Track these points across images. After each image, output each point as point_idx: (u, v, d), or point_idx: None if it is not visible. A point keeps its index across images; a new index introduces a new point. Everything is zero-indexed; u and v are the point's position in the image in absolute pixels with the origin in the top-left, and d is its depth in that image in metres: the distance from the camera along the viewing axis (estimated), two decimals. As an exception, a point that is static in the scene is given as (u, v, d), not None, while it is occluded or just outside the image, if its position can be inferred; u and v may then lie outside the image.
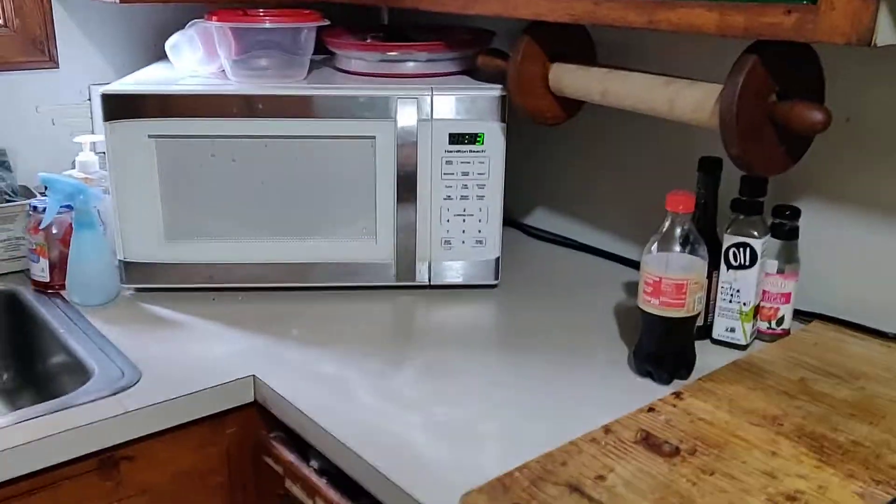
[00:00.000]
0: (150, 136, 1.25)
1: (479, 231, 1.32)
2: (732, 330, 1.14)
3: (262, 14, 1.31)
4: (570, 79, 1.15)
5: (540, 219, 1.64)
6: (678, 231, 1.03)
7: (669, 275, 1.02)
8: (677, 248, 1.03)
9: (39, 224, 1.31)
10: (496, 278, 1.34)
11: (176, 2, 1.36)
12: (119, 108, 1.25)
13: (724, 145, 0.93)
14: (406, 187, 1.28)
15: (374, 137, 1.27)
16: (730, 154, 0.94)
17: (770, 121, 0.94)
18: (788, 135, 0.95)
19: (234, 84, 1.30)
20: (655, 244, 1.05)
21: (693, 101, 0.99)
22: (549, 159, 1.59)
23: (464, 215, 1.31)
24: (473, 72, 1.38)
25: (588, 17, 1.03)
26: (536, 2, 1.08)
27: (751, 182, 1.11)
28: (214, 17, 1.29)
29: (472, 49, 1.38)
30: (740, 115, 0.91)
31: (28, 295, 1.34)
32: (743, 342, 1.13)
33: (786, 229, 1.13)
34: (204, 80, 1.33)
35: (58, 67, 1.56)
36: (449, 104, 1.26)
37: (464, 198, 1.30)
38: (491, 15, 1.15)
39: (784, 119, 0.92)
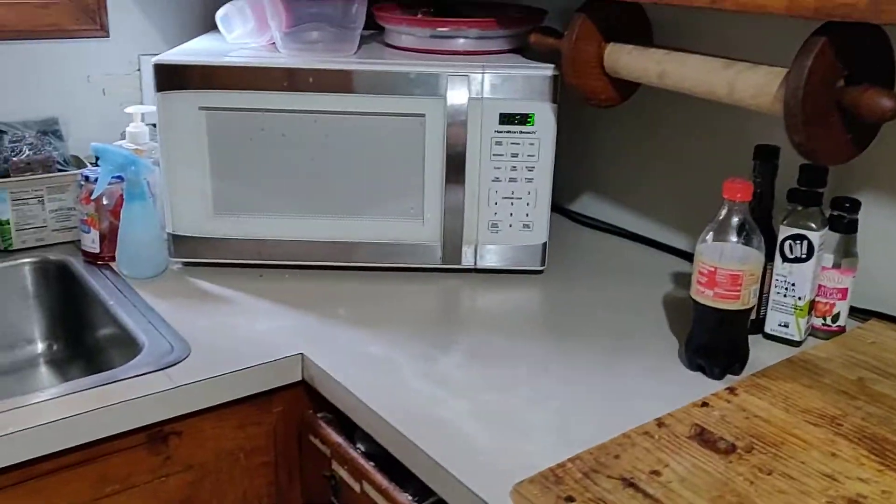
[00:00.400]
0: (200, 108, 1.24)
1: (527, 215, 1.29)
2: (786, 325, 1.10)
3: (313, -14, 1.29)
4: (627, 60, 1.11)
5: (587, 205, 1.60)
6: (734, 220, 0.99)
7: (724, 265, 0.99)
8: (733, 237, 1.00)
9: (91, 194, 1.30)
10: (542, 264, 1.31)
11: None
12: (171, 78, 1.23)
13: (787, 132, 0.89)
14: (454, 167, 1.25)
15: (423, 115, 1.24)
16: (793, 141, 0.90)
17: (837, 107, 0.89)
18: (855, 122, 0.90)
19: (285, 57, 1.28)
20: (711, 233, 1.01)
21: (754, 84, 0.95)
22: (597, 144, 1.55)
23: (512, 198, 1.28)
24: (525, 50, 1.34)
25: (650, -4, 0.99)
26: (596, -20, 1.05)
27: (810, 172, 1.07)
28: (270, -13, 1.27)
29: (523, 27, 1.34)
30: (806, 100, 0.87)
31: (78, 266, 1.33)
32: (797, 338, 1.10)
33: (845, 222, 1.08)
34: (255, 53, 1.31)
35: (108, 36, 1.55)
36: (500, 83, 1.23)
37: (512, 180, 1.27)
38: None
39: (853, 105, 0.87)
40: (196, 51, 1.33)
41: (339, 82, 1.23)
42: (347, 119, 1.25)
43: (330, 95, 1.23)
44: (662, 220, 1.46)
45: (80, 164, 1.49)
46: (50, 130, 1.48)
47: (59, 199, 1.41)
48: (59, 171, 1.44)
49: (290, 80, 1.23)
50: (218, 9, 1.36)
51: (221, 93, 1.23)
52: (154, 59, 1.24)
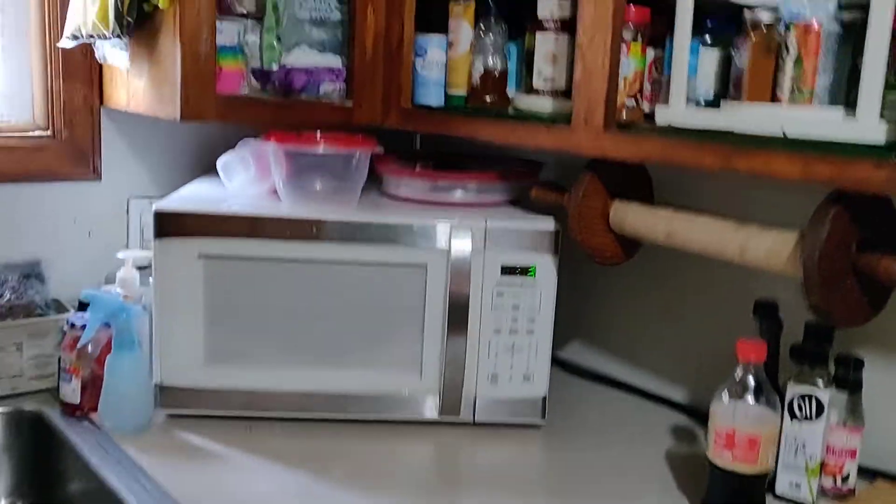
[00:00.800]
0: (199, 256, 1.23)
1: (528, 367, 1.27)
2: (798, 486, 1.08)
3: (317, 138, 1.31)
4: (634, 218, 1.13)
5: (585, 356, 1.58)
6: (751, 381, 0.99)
7: (743, 428, 0.98)
8: (750, 399, 0.99)
9: (76, 342, 1.26)
10: (543, 418, 1.29)
11: (234, 122, 1.36)
12: (171, 225, 1.23)
13: (804, 295, 0.91)
14: (455, 318, 1.24)
15: (425, 266, 1.24)
16: (810, 304, 0.91)
17: (853, 270, 0.91)
18: (871, 285, 0.92)
19: (287, 206, 1.28)
20: (725, 393, 1.01)
21: (766, 247, 0.97)
22: (597, 294, 1.55)
23: (512, 350, 1.27)
24: (522, 200, 1.37)
25: (659, 158, 1.02)
26: (603, 140, 1.08)
27: (817, 330, 1.08)
28: (272, 139, 1.28)
29: (522, 180, 1.37)
30: (822, 263, 0.89)
31: (55, 417, 1.27)
32: (809, 500, 1.08)
33: (852, 381, 1.09)
34: (256, 201, 1.31)
35: (100, 180, 1.55)
36: (503, 236, 1.24)
37: (513, 331, 1.27)
38: (551, 150, 1.15)
39: (870, 271, 0.90)
40: (196, 197, 1.33)
41: (342, 233, 1.23)
42: (349, 269, 1.24)
43: (332, 245, 1.23)
44: (663, 372, 1.45)
45: (60, 308, 1.45)
46: (33, 274, 1.45)
47: (38, 346, 1.36)
48: (41, 315, 1.40)
49: (292, 229, 1.23)
50: (210, 154, 1.37)
51: (221, 241, 1.23)
52: (155, 206, 1.23)
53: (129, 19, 1.28)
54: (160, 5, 1.23)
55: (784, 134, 0.91)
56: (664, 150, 1.01)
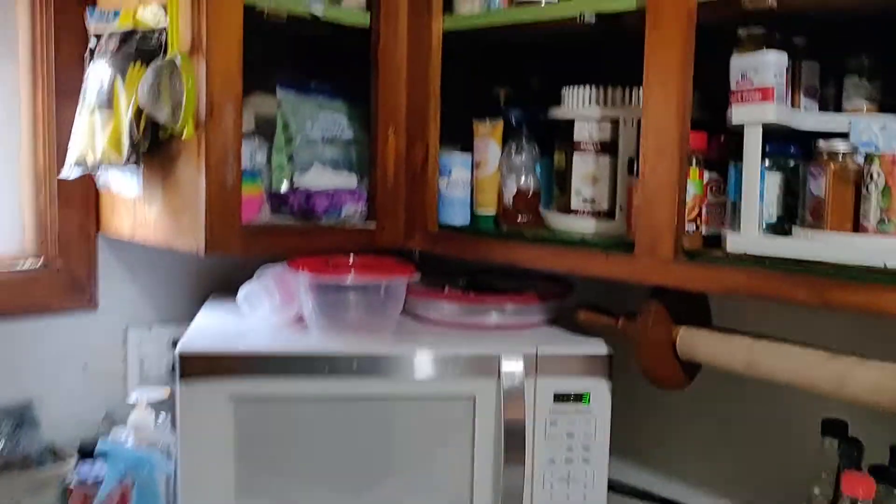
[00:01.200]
0: (230, 398, 1.07)
1: (584, 497, 1.15)
2: None
3: (348, 264, 1.18)
4: (707, 346, 1.04)
5: (628, 473, 1.42)
6: (858, 519, 0.90)
7: (858, 570, 0.88)
8: (861, 538, 0.90)
9: (86, 500, 1.07)
10: (602, 554, 1.16)
11: (257, 253, 1.21)
12: (197, 367, 1.07)
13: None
14: (511, 450, 1.11)
15: (473, 397, 1.12)
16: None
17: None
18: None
19: (319, 339, 1.14)
20: (830, 532, 0.91)
21: (871, 382, 0.88)
22: (644, 411, 1.40)
23: (568, 479, 1.15)
24: (558, 320, 1.26)
25: (745, 290, 0.94)
26: (673, 271, 0.99)
27: (903, 454, 1.01)
28: (301, 269, 1.14)
29: (558, 301, 1.27)
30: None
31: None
32: None
33: (938, 505, 1.01)
34: (284, 334, 1.17)
35: (96, 310, 1.36)
36: (555, 362, 1.13)
37: (568, 461, 1.14)
38: (608, 278, 1.06)
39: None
40: (217, 333, 1.18)
41: (382, 367, 1.10)
42: (391, 404, 1.11)
43: (372, 380, 1.10)
44: (717, 492, 1.33)
45: (56, 454, 1.24)
46: (26, 419, 1.24)
47: (37, 500, 1.15)
48: (39, 465, 1.19)
49: (330, 365, 1.09)
50: (212, 277, 1.24)
51: (255, 381, 1.07)
52: (178, 347, 1.08)
53: (146, 145, 1.13)
54: (184, 137, 1.09)
55: (885, 265, 0.84)
56: (750, 282, 0.93)
